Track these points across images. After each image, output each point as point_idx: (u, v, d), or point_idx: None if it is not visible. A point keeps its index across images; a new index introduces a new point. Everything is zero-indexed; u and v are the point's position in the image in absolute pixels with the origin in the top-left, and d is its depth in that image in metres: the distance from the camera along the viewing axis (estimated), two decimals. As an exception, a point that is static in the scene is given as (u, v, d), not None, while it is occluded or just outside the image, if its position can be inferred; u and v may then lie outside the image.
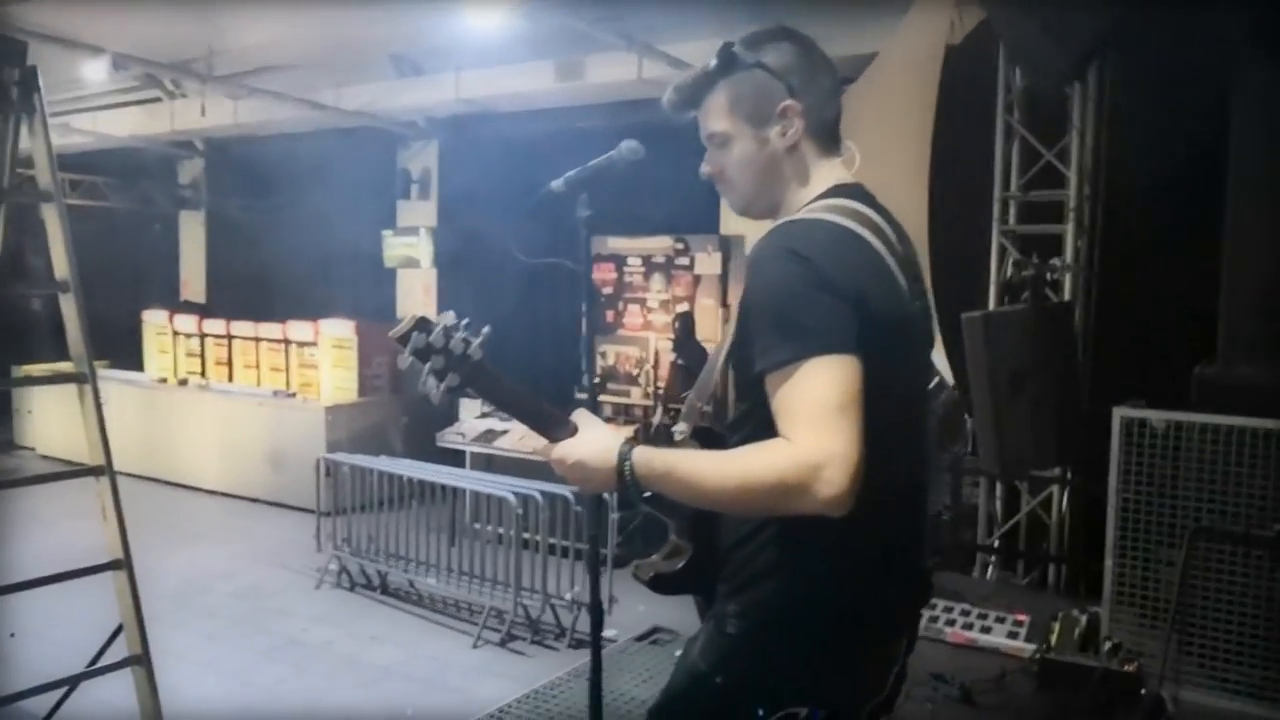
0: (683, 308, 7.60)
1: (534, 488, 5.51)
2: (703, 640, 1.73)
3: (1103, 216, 4.81)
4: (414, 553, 5.92)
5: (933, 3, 5.28)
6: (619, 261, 8.02)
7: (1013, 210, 4.99)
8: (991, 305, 4.94)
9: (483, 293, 8.59)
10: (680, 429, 1.78)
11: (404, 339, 1.62)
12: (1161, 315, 4.69)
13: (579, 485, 1.71)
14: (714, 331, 7.41)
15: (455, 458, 7.04)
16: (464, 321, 1.65)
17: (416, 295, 9.37)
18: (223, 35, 7.38)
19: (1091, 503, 4.44)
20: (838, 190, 1.70)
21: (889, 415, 1.53)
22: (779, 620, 1.63)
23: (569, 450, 1.68)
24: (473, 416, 7.46)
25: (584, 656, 5.25)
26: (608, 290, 8.04)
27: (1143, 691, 3.72)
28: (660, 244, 7.84)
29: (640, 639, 4.98)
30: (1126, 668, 3.86)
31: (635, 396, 7.82)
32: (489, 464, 6.95)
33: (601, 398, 7.97)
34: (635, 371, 7.87)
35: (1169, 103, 4.45)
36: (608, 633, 5.41)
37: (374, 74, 8.13)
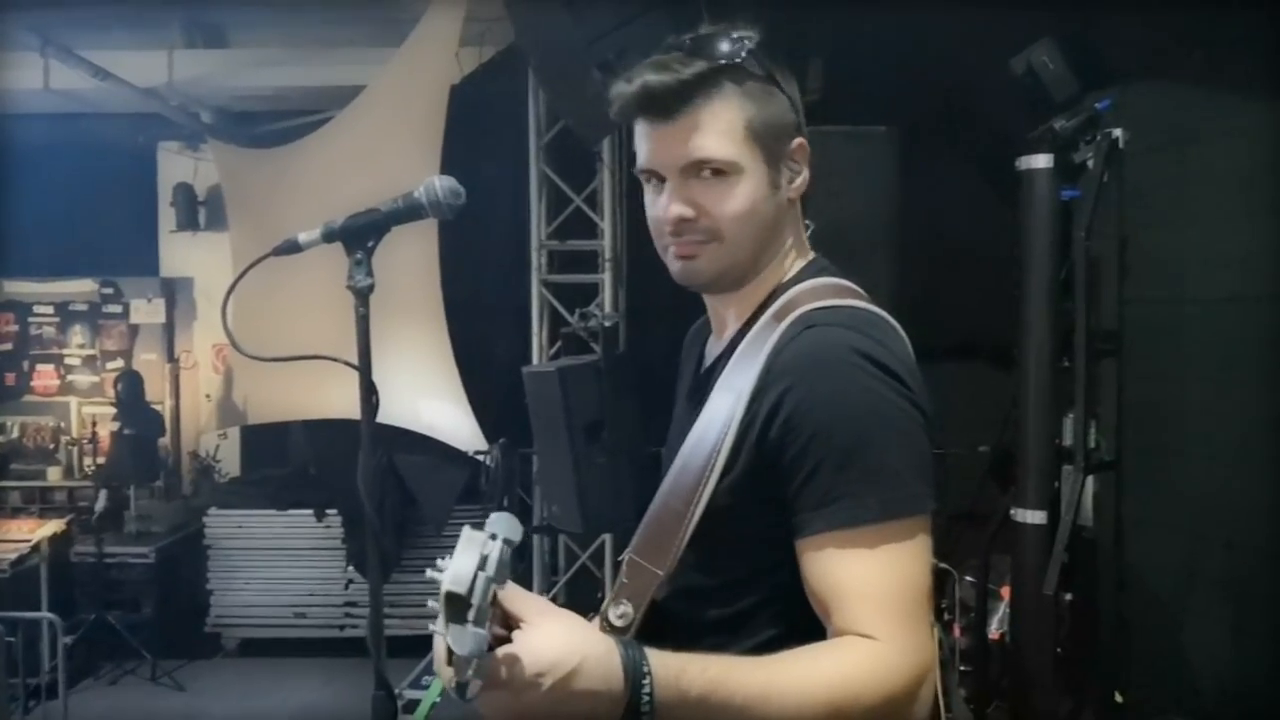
0: (116, 364, 6.28)
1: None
2: None
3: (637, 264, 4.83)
4: None
5: (431, 41, 4.96)
6: (21, 311, 6.39)
7: (545, 260, 4.86)
8: (536, 357, 4.75)
9: None
10: (622, 611, 1.13)
11: (462, 601, 0.90)
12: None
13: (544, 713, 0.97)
14: (161, 391, 6.24)
15: None
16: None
17: None
18: None
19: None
20: (819, 266, 1.27)
21: None
22: None
23: (564, 653, 0.96)
24: None
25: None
26: (5, 347, 6.35)
27: None
28: (80, 288, 6.41)
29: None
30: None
31: (54, 477, 6.25)
32: None
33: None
34: (52, 446, 6.31)
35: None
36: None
37: None
